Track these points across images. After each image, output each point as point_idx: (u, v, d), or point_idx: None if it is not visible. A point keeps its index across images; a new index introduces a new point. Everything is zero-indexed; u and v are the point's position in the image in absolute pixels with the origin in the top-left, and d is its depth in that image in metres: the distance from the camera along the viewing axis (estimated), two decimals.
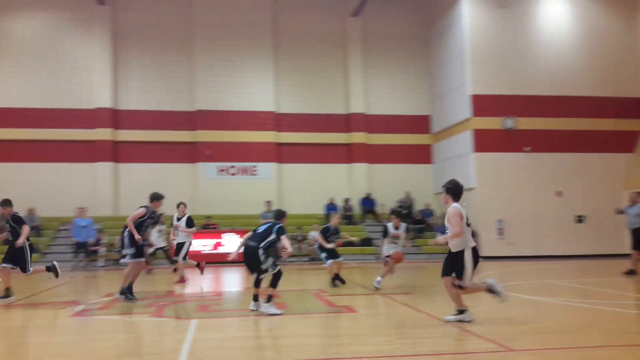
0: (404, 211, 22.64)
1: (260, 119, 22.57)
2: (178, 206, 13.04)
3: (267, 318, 8.18)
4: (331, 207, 22.21)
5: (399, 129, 23.82)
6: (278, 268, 8.32)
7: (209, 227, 19.55)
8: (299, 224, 20.43)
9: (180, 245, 12.76)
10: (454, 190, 7.29)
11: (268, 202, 19.20)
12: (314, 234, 19.62)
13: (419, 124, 23.99)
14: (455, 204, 7.18)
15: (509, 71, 20.70)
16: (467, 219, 7.15)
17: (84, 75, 21.63)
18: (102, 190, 21.29)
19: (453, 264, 7.10)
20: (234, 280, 14.68)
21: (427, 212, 22.70)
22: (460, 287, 7.05)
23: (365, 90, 23.73)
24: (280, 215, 9.02)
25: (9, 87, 21.02)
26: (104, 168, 21.42)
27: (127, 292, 9.67)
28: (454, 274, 7.07)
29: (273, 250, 8.56)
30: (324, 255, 11.92)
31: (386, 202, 22.91)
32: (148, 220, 10.03)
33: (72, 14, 21.74)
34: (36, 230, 19.74)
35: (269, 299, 8.17)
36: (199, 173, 22.03)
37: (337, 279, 12.00)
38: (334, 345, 6.31)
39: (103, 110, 21.52)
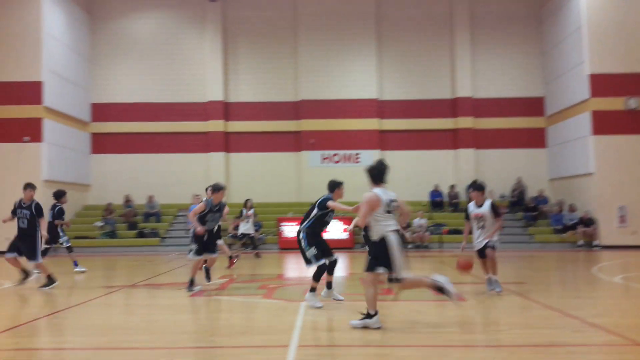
0: (513, 198, 21.68)
1: (363, 107, 22.56)
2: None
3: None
4: (436, 194, 21.77)
5: (509, 112, 22.76)
6: (323, 261, 7.71)
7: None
8: None
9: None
10: (372, 173, 6.44)
11: None
12: (418, 221, 19.37)
13: (532, 106, 22.75)
14: (374, 189, 6.36)
15: (631, 48, 18.98)
16: (390, 204, 6.32)
17: (198, 70, 22.82)
18: (215, 178, 22.28)
19: (377, 255, 6.28)
20: (340, 265, 14.84)
21: (541, 199, 21.54)
22: (398, 281, 6.26)
23: (472, 73, 22.89)
24: (332, 186, 8.11)
25: (131, 84, 22.70)
26: (217, 157, 22.52)
27: (190, 286, 9.41)
28: (382, 269, 6.22)
29: (317, 233, 7.78)
30: None
31: (496, 188, 22.04)
32: (210, 214, 9.47)
33: (186, 13, 22.97)
34: (156, 216, 21.28)
35: (312, 289, 7.64)
36: (303, 161, 22.50)
37: None
38: (444, 333, 6.18)
39: (215, 103, 22.60)
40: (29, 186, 10.18)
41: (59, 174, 19.96)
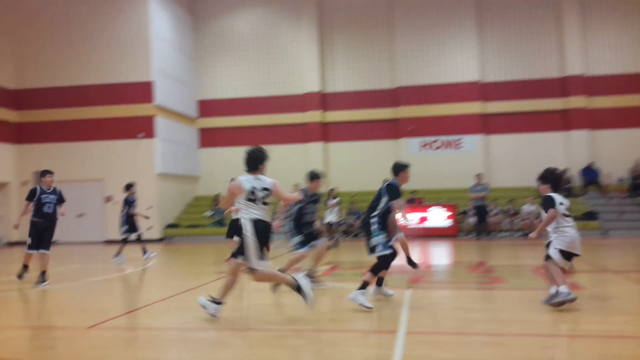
0: (634, 181, 20.01)
1: (464, 90, 21.78)
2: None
3: (482, 291, 7.90)
4: None
5: (628, 89, 20.94)
6: (390, 251, 6.86)
7: (414, 201, 19.61)
8: (510, 196, 19.40)
9: None
10: (245, 159, 6.55)
11: (478, 174, 18.47)
12: (528, 208, 18.44)
13: None
14: (241, 176, 6.37)
15: None
16: (254, 192, 6.24)
17: (295, 63, 23.20)
18: (315, 168, 22.66)
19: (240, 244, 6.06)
20: (442, 254, 14.53)
21: None
22: (252, 271, 5.97)
23: (584, 49, 21.30)
24: (397, 169, 7.27)
25: (233, 80, 23.55)
26: (315, 148, 22.82)
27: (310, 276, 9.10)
28: (241, 258, 6.03)
29: (385, 221, 6.93)
30: None
31: (614, 171, 20.50)
32: (309, 204, 8.73)
33: (283, 6, 23.40)
34: None
35: (364, 285, 6.72)
36: (402, 149, 22.18)
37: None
38: (562, 322, 5.83)
39: (312, 94, 22.88)
40: (49, 172, 10.26)
41: (171, 167, 21.22)
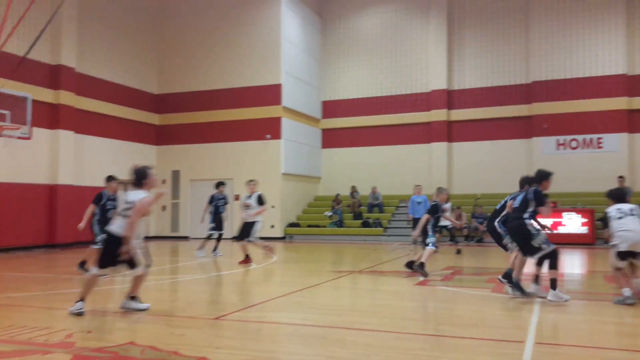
0: None
1: (607, 84, 19.90)
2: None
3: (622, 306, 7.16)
4: None
5: None
6: (552, 247, 7.05)
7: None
8: None
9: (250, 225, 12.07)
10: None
11: (620, 177, 16.76)
12: None
13: None
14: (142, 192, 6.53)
15: None
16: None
17: (422, 60, 22.74)
18: (437, 169, 22.13)
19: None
20: (576, 262, 13.39)
21: None
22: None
23: None
24: (540, 177, 7.70)
25: (358, 80, 23.65)
26: (439, 148, 22.20)
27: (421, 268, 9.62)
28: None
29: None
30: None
31: None
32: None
33: (411, 4, 23.03)
34: (379, 207, 21.87)
35: (554, 283, 6.95)
36: (534, 148, 20.83)
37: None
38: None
39: (438, 92, 22.28)
40: (114, 179, 10.53)
41: (295, 167, 21.85)
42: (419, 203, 16.49)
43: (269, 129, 20.98)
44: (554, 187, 20.89)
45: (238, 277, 10.41)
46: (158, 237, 21.65)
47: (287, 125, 21.31)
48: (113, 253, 6.39)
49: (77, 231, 10.92)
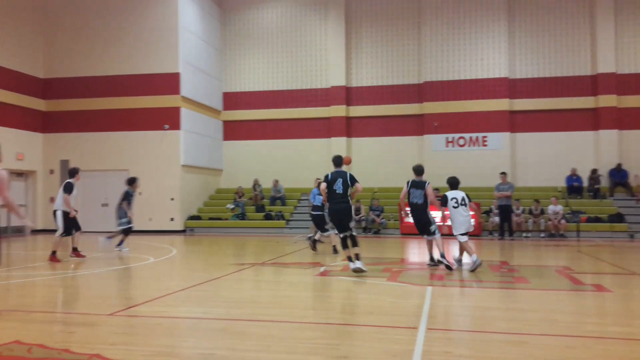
0: None
1: (492, 87, 21.46)
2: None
3: (507, 291, 7.80)
4: (573, 179, 20.21)
5: None
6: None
7: (438, 199, 19.38)
8: (536, 197, 19.08)
9: None
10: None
11: (503, 173, 18.15)
12: (553, 208, 18.11)
13: None
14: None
15: None
16: None
17: (321, 56, 23.11)
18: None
19: None
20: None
21: None
22: None
23: (616, 46, 20.80)
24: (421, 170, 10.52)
25: (259, 73, 23.58)
26: (338, 142, 22.73)
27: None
28: None
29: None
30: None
31: None
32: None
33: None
34: (281, 199, 22.01)
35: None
36: (426, 145, 21.98)
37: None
38: (587, 324, 5.68)
39: (337, 88, 22.78)
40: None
41: (195, 159, 21.37)
42: (319, 195, 16.90)
43: (168, 119, 20.35)
44: (443, 182, 22.24)
45: (136, 272, 10.05)
46: (46, 230, 20.27)
47: (187, 115, 20.78)
48: None
49: None
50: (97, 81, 20.79)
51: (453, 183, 10.16)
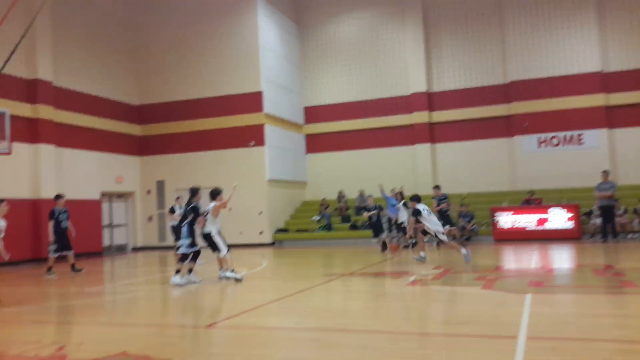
0: None
1: (584, 82, 20.23)
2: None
3: (613, 296, 7.25)
4: None
5: None
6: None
7: (532, 202, 18.53)
8: (639, 195, 17.72)
9: None
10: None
11: (604, 172, 16.79)
12: None
13: None
14: None
15: None
16: None
17: (400, 64, 22.89)
18: (422, 170, 22.26)
19: None
20: (564, 257, 13.55)
21: None
22: None
23: None
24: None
25: (339, 85, 23.71)
26: (423, 149, 22.34)
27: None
28: None
29: None
30: None
31: None
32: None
33: (386, 8, 23.18)
34: (366, 209, 21.86)
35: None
36: (516, 147, 21.06)
37: None
38: None
39: (418, 94, 22.44)
40: (61, 196, 13.07)
41: (280, 173, 21.81)
42: (393, 205, 16.91)
43: (253, 137, 20.94)
44: (537, 184, 21.36)
45: (229, 285, 10.35)
46: (146, 247, 21.47)
47: (271, 131, 21.28)
48: None
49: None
50: (186, 104, 21.79)
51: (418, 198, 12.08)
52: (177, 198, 15.71)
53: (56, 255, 12.57)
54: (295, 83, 23.66)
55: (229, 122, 21.22)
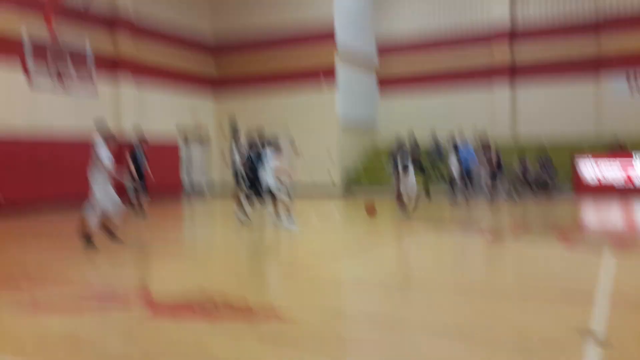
0: None
1: None
2: None
3: None
4: None
5: None
6: None
7: (617, 149, 17.28)
8: None
9: None
10: None
11: None
12: None
13: None
14: None
15: None
16: None
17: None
18: (499, 114, 21.30)
19: None
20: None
21: None
22: None
23: None
24: None
25: (415, 16, 22.65)
26: (501, 92, 21.26)
27: None
28: None
29: None
30: None
31: None
32: None
33: None
34: (439, 154, 21.38)
35: None
36: (606, 90, 19.56)
37: None
38: None
39: (500, 29, 21.09)
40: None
41: (352, 118, 21.51)
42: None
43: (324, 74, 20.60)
44: (625, 131, 19.68)
45: (301, 233, 10.44)
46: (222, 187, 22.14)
47: (343, 72, 20.82)
48: None
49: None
50: (260, 42, 21.65)
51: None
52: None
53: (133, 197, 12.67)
54: (369, 18, 22.94)
55: (301, 58, 20.88)
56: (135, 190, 12.64)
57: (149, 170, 13.06)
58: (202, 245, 9.43)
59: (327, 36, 20.40)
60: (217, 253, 8.46)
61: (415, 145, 16.63)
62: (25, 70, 11.95)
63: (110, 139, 8.33)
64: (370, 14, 23.11)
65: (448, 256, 7.79)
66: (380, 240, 9.24)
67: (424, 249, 8.40)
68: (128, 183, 12.30)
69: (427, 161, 17.93)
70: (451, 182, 15.88)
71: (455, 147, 15.78)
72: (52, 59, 12.35)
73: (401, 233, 9.89)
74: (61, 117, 16.04)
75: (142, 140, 13.02)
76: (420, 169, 15.06)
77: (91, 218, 8.03)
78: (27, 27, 13.69)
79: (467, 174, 15.61)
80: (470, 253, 7.95)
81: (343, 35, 20.73)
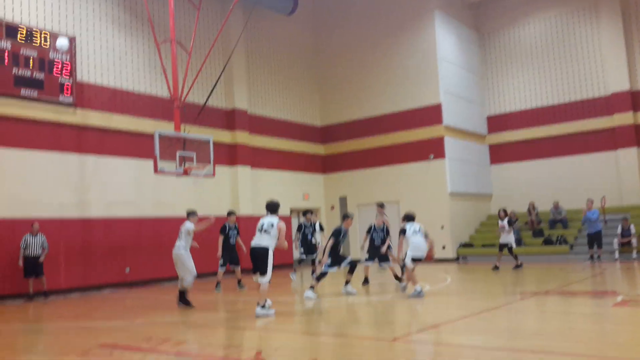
0: None
1: None
2: None
3: None
4: None
5: None
6: None
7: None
8: None
9: None
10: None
11: None
12: None
13: None
14: None
15: None
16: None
17: (596, 62, 20.75)
18: (626, 178, 19.79)
19: None
20: None
21: None
22: None
23: None
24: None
25: (524, 91, 22.26)
26: (627, 155, 19.84)
27: None
28: None
29: None
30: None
31: None
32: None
33: (576, 4, 21.27)
34: (562, 223, 20.08)
35: None
36: None
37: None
38: None
39: (620, 94, 20.06)
40: (233, 213, 13.38)
41: (462, 186, 21.08)
42: (593, 218, 15.24)
43: (432, 149, 20.59)
44: None
45: (415, 299, 10.20)
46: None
47: (451, 143, 20.72)
48: None
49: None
50: (366, 122, 22.29)
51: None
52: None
53: (223, 270, 12.95)
54: (475, 92, 22.82)
55: (408, 136, 21.19)
56: (224, 262, 12.90)
57: (241, 244, 13.22)
58: (314, 312, 9.42)
59: (434, 114, 20.55)
60: (330, 321, 8.39)
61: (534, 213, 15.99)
62: (154, 160, 13.14)
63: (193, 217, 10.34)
64: (478, 90, 23.00)
65: (575, 322, 7.08)
66: (499, 306, 8.67)
67: (548, 315, 7.75)
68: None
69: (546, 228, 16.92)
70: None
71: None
72: (176, 147, 13.50)
73: (523, 298, 9.22)
74: (183, 197, 17.30)
75: (231, 213, 13.38)
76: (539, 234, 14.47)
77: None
78: (157, 125, 15.44)
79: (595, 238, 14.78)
80: (602, 318, 7.18)
81: (450, 111, 20.81)
